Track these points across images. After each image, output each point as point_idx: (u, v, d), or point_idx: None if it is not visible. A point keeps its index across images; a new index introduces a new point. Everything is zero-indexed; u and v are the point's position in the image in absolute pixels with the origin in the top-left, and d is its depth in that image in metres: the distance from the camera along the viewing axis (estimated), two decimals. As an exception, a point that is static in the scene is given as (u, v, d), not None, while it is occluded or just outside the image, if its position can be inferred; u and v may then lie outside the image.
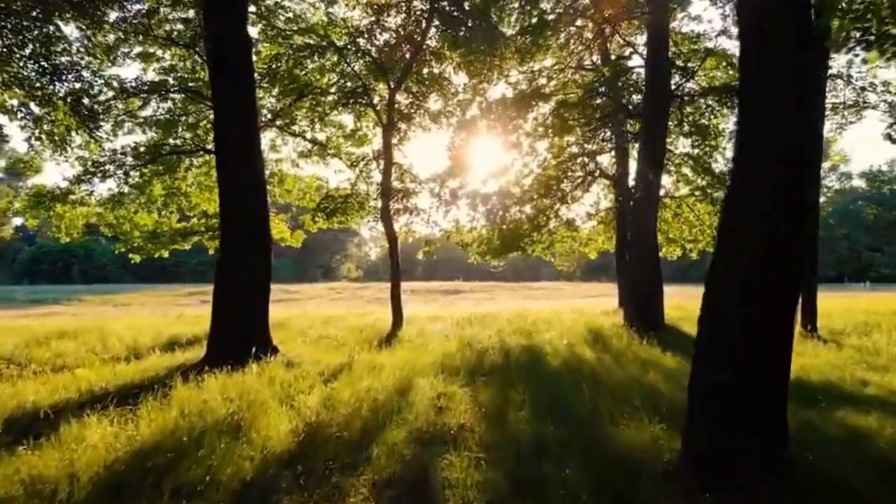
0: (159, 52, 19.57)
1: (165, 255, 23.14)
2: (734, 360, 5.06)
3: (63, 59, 16.79)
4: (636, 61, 20.45)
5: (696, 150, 20.81)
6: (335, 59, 19.37)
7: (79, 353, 13.56)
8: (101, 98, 18.75)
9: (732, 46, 18.30)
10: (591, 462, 5.47)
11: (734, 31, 16.48)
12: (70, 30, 17.05)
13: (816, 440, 6.00)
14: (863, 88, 17.13)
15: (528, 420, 6.89)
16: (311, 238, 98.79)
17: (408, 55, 18.20)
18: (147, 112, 20.43)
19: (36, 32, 15.74)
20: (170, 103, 20.41)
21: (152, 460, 5.60)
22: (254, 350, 10.76)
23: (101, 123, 18.59)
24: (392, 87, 18.39)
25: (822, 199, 72.65)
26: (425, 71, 19.72)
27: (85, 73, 17.58)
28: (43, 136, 16.99)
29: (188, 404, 7.60)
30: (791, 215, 4.90)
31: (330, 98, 20.59)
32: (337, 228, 24.21)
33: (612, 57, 22.09)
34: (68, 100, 16.80)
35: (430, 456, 5.74)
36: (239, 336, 11.35)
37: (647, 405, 7.22)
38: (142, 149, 19.90)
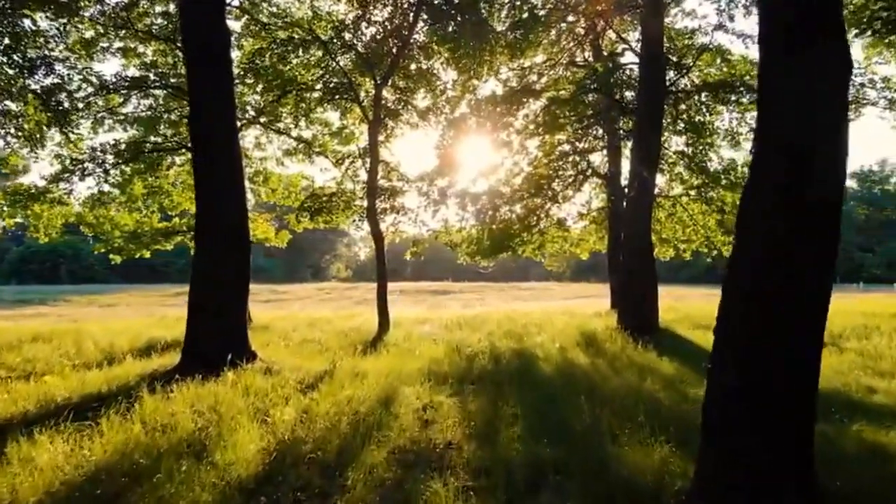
0: (140, 48, 19.04)
1: (147, 255, 22.70)
2: (739, 367, 4.58)
3: (35, 53, 16.33)
4: (629, 58, 20.05)
5: (690, 149, 20.34)
6: (319, 53, 18.82)
7: (51, 358, 12.95)
8: (81, 94, 18.35)
9: (728, 42, 17.83)
10: (594, 492, 4.93)
11: (731, 25, 16.11)
12: (47, 24, 16.31)
13: (836, 459, 5.51)
14: (862, 85, 16.72)
15: (522, 437, 6.34)
16: (300, 238, 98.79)
17: (394, 50, 17.62)
18: (128, 109, 20.01)
19: (6, 25, 15.22)
20: (151, 100, 19.92)
21: (102, 487, 5.03)
22: (231, 356, 10.16)
23: (74, 119, 18.15)
24: (378, 82, 17.82)
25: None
26: (413, 66, 19.18)
27: (60, 68, 17.16)
28: (14, 132, 16.50)
29: (153, 418, 7.07)
30: (791, 214, 4.42)
31: (315, 94, 20.06)
32: (324, 228, 23.66)
33: (605, 53, 21.61)
34: (41, 95, 16.33)
35: (412, 482, 5.18)
36: (215, 342, 10.76)
37: (650, 418, 6.70)
38: (122, 146, 19.49)
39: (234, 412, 7.26)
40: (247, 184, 22.97)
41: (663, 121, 17.46)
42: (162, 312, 27.17)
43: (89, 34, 17.77)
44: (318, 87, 19.78)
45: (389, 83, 18.70)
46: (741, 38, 16.16)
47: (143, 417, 7.11)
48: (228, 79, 12.05)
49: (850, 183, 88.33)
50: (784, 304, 4.47)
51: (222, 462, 5.52)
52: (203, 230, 11.51)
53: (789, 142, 4.49)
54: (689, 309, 21.93)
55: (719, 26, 16.38)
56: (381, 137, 19.19)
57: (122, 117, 19.98)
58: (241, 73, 18.92)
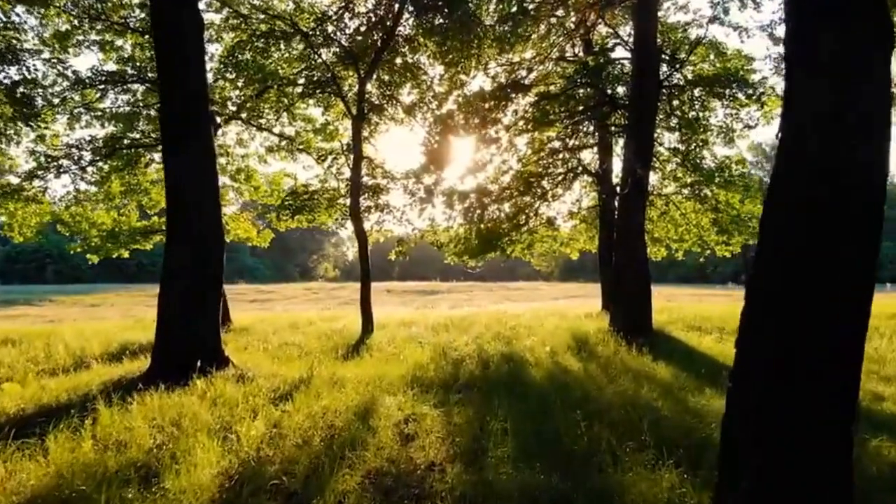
0: (118, 41, 18.40)
1: (126, 255, 22.08)
2: (769, 382, 3.95)
3: (4, 45, 15.73)
4: (621, 53, 19.58)
5: (683, 146, 19.82)
6: (301, 47, 18.20)
7: (17, 363, 12.37)
8: (57, 89, 17.89)
9: (723, 35, 17.29)
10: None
11: (726, 18, 15.56)
12: (23, 17, 15.79)
13: (865, 485, 4.94)
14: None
15: (512, 458, 5.72)
16: (288, 238, 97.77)
17: (379, 43, 17.00)
18: (105, 104, 19.41)
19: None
20: (129, 95, 19.26)
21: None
22: (202, 363, 9.54)
23: (48, 114, 17.56)
24: (362, 76, 17.20)
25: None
26: (398, 61, 18.59)
27: (32, 61, 16.59)
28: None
29: (108, 434, 6.46)
30: (831, 204, 3.84)
31: (297, 90, 19.42)
32: (308, 227, 23.03)
33: (596, 48, 21.09)
34: (7, 88, 15.72)
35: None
36: (185, 348, 10.10)
37: (652, 433, 6.13)
38: (98, 143, 18.91)
39: (198, 427, 6.66)
40: (228, 181, 22.54)
41: (656, 117, 16.95)
42: (143, 313, 26.49)
43: (64, 27, 17.20)
44: (301, 81, 19.16)
45: (374, 77, 18.09)
46: (737, 31, 15.65)
47: (97, 433, 6.51)
48: (200, 71, 11.32)
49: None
50: (824, 309, 3.84)
51: (174, 489, 4.90)
52: (174, 231, 10.84)
53: (825, 118, 3.89)
54: (682, 310, 21.45)
55: (714, 19, 15.87)
56: (364, 133, 18.58)
57: (99, 113, 19.36)
58: (222, 66, 18.34)
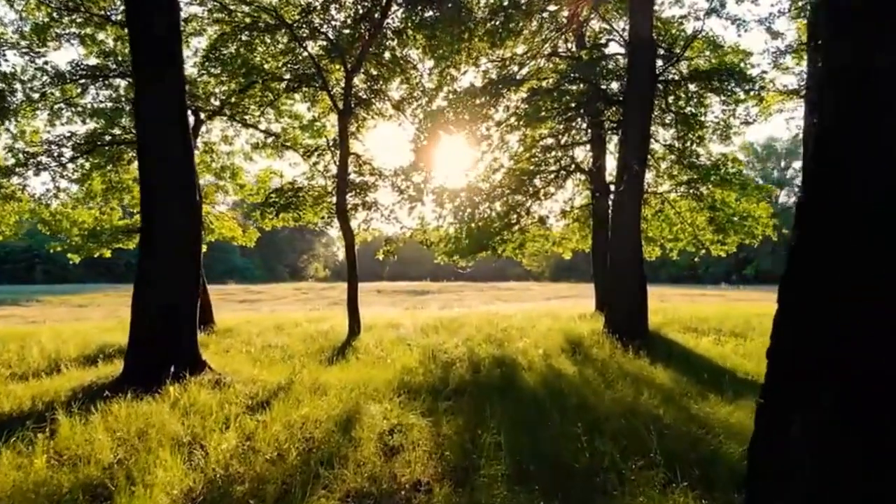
0: (100, 35, 17.91)
1: (108, 254, 21.54)
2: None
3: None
4: (614, 48, 19.13)
5: (679, 143, 19.36)
6: (286, 40, 17.67)
7: (-11, 367, 11.79)
8: (37, 84, 17.52)
9: (721, 28, 16.88)
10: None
11: (723, 11, 15.10)
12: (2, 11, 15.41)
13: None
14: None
15: (507, 477, 5.20)
16: (278, 238, 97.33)
17: (367, 35, 16.47)
18: (87, 100, 18.92)
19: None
20: (111, 90, 18.75)
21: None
22: (178, 368, 9.01)
23: (25, 109, 17.09)
24: (349, 69, 16.65)
25: (792, 199, 71.66)
26: (387, 55, 18.08)
27: (10, 55, 16.20)
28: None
29: (66, 447, 5.94)
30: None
31: (282, 84, 18.88)
32: (296, 226, 22.47)
33: (588, 44, 20.64)
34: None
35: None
36: (159, 352, 9.53)
37: (658, 447, 5.64)
38: (79, 139, 18.42)
39: (165, 439, 6.14)
40: (212, 179, 22.03)
41: (652, 112, 16.49)
42: (128, 314, 25.80)
43: (43, 19, 16.71)
44: (286, 76, 18.61)
45: (361, 71, 17.56)
46: (735, 24, 15.19)
47: (55, 446, 5.99)
48: (176, 62, 10.66)
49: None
50: (885, 314, 3.27)
51: (128, 514, 4.39)
52: (149, 230, 10.25)
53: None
54: (677, 311, 21.05)
55: (711, 11, 15.40)
56: (352, 128, 18.06)
57: (80, 109, 18.90)
58: (204, 59, 17.85)
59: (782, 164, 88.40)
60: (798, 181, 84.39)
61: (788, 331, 3.50)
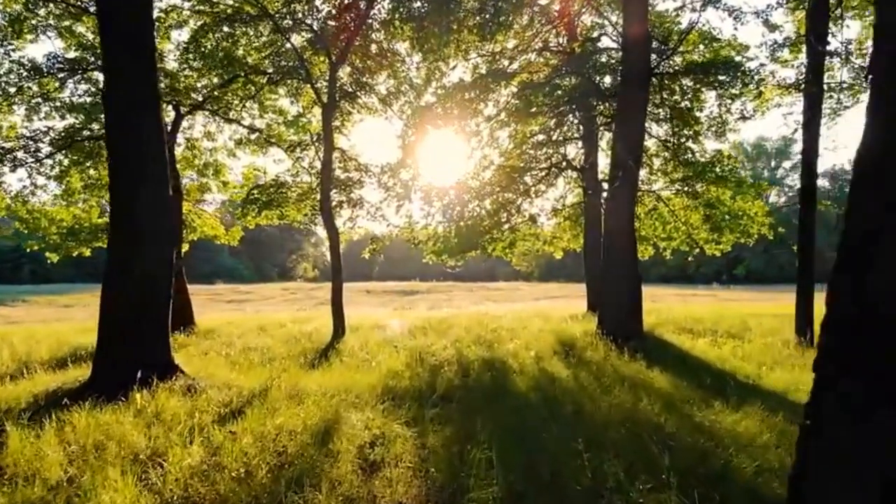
0: (79, 28, 17.43)
1: (87, 253, 20.99)
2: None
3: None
4: (608, 43, 18.70)
5: (674, 139, 18.88)
6: (268, 31, 17.10)
7: (-48, 371, 11.23)
8: (13, 78, 17.05)
9: (718, 19, 16.37)
10: None
11: (720, 3, 14.57)
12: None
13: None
14: (862, 68, 15.38)
15: (499, 501, 4.64)
16: (267, 237, 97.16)
17: (352, 26, 15.92)
18: (65, 94, 18.35)
19: None
20: (90, 85, 18.20)
21: None
22: (148, 373, 8.43)
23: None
24: (334, 60, 16.08)
25: (782, 199, 71.58)
26: (374, 48, 17.54)
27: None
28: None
29: (14, 462, 5.38)
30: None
31: (265, 77, 18.32)
32: (278, 224, 21.93)
33: (580, 38, 20.16)
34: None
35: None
36: (128, 356, 8.92)
37: (668, 462, 5.11)
38: (54, 134, 18.00)
39: (125, 453, 5.60)
40: (194, 176, 21.49)
41: (647, 107, 16.01)
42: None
43: (18, 9, 16.20)
44: (269, 69, 18.06)
45: (346, 63, 17.00)
46: (732, 15, 14.67)
47: (1, 462, 5.43)
48: (149, 54, 10.08)
49: (822, 182, 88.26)
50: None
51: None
52: (117, 227, 9.64)
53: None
54: (671, 311, 20.65)
55: (707, 2, 14.89)
56: (336, 123, 17.50)
57: (59, 104, 18.34)
58: (184, 51, 17.34)
59: (772, 163, 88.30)
60: (788, 181, 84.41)
61: (845, 346, 2.98)
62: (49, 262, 21.48)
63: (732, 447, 5.92)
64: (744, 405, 7.55)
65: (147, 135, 9.69)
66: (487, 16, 16.18)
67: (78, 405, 7.17)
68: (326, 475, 5.19)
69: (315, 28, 16.51)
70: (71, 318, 25.71)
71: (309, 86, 17.34)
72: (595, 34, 20.37)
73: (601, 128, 20.57)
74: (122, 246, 9.48)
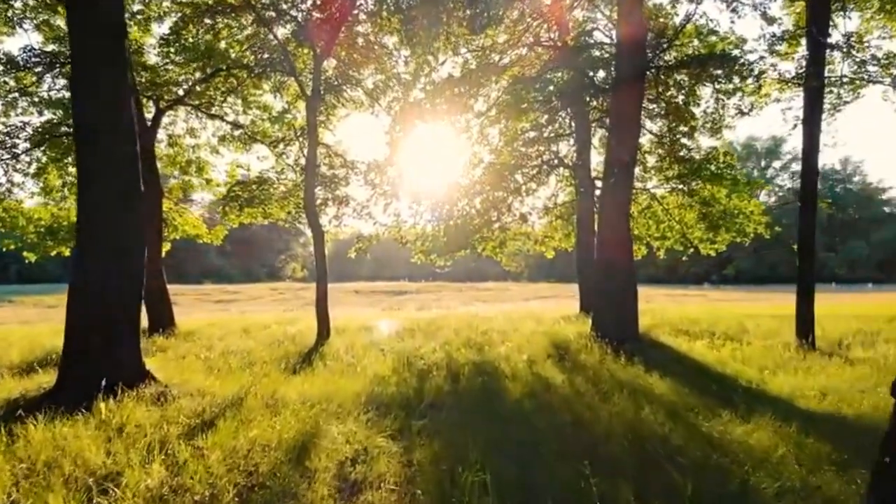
0: (57, 21, 17.04)
1: (67, 252, 20.44)
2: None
3: None
4: (600, 37, 18.24)
5: (669, 135, 18.43)
6: (250, 21, 16.55)
7: (-87, 377, 10.60)
8: None
9: (714, 10, 15.93)
10: None
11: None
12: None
13: None
14: (863, 62, 14.96)
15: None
16: (256, 237, 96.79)
17: (337, 16, 15.36)
18: (43, 88, 17.95)
19: None
20: (68, 79, 17.59)
21: None
22: (115, 380, 7.86)
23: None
24: (318, 52, 15.50)
25: (772, 199, 71.68)
26: (360, 40, 16.99)
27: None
28: None
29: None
30: None
31: (246, 70, 17.76)
32: (262, 223, 21.41)
33: (572, 33, 19.70)
34: None
35: None
36: (95, 363, 8.32)
37: (679, 480, 4.60)
38: (31, 130, 17.75)
39: (75, 473, 5.04)
40: (176, 173, 20.97)
41: (642, 101, 15.57)
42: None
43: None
44: (252, 61, 17.49)
45: (331, 55, 16.44)
46: (729, 6, 14.23)
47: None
48: (118, 41, 9.43)
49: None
50: None
51: None
52: (85, 225, 9.03)
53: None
54: (665, 312, 20.21)
55: (705, -7, 14.46)
56: (321, 117, 16.94)
57: (37, 99, 17.97)
58: (163, 43, 16.79)
59: (762, 163, 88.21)
60: (779, 181, 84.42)
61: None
62: (28, 262, 20.91)
63: (748, 463, 5.43)
64: (752, 414, 7.08)
65: (119, 127, 9.08)
66: (478, 9, 15.69)
67: (37, 416, 6.61)
68: (300, 499, 4.65)
69: (299, 19, 15.95)
70: (52, 319, 25.08)
71: (293, 79, 16.76)
72: (589, 26, 19.92)
73: (594, 124, 20.12)
74: (90, 245, 8.90)
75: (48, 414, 6.73)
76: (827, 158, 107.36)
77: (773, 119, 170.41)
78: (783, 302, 27.17)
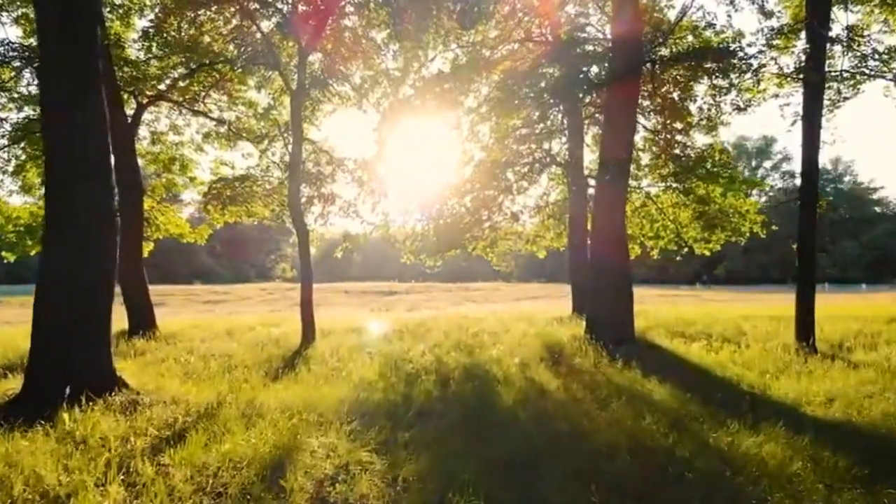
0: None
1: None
2: None
3: None
4: (591, 32, 17.87)
5: (664, 133, 18.02)
6: (234, 14, 16.07)
7: None
8: None
9: (712, 3, 15.62)
10: None
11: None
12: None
13: None
14: (864, 56, 14.57)
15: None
16: (245, 237, 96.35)
17: (323, 8, 14.87)
18: (22, 84, 17.59)
19: None
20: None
21: None
22: (82, 387, 7.35)
23: None
24: (303, 45, 14.99)
25: (763, 199, 71.33)
26: (347, 34, 16.52)
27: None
28: None
29: None
30: None
31: (229, 65, 17.29)
32: (248, 221, 20.96)
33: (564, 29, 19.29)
34: None
35: None
36: (61, 369, 7.80)
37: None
38: (9, 126, 17.52)
39: (26, 494, 4.57)
40: (159, 171, 20.50)
41: (638, 97, 15.17)
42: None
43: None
44: (234, 55, 17.02)
45: (317, 48, 15.96)
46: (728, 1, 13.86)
47: None
48: (88, 27, 8.88)
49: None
50: None
51: None
52: (51, 221, 8.48)
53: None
54: (660, 314, 19.78)
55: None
56: (306, 112, 16.47)
57: (15, 95, 17.54)
58: (145, 38, 16.26)
59: (753, 163, 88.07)
60: (770, 180, 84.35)
61: None
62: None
63: (763, 480, 5.00)
64: (760, 422, 6.68)
65: (89, 115, 8.55)
66: (468, 4, 15.26)
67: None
68: (272, 526, 4.19)
69: (284, 11, 15.46)
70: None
71: (277, 73, 16.27)
72: (580, 22, 19.50)
73: (587, 121, 19.72)
74: (57, 243, 8.38)
75: (8, 424, 6.26)
76: (820, 157, 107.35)
77: (763, 119, 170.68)
78: (777, 303, 26.87)
